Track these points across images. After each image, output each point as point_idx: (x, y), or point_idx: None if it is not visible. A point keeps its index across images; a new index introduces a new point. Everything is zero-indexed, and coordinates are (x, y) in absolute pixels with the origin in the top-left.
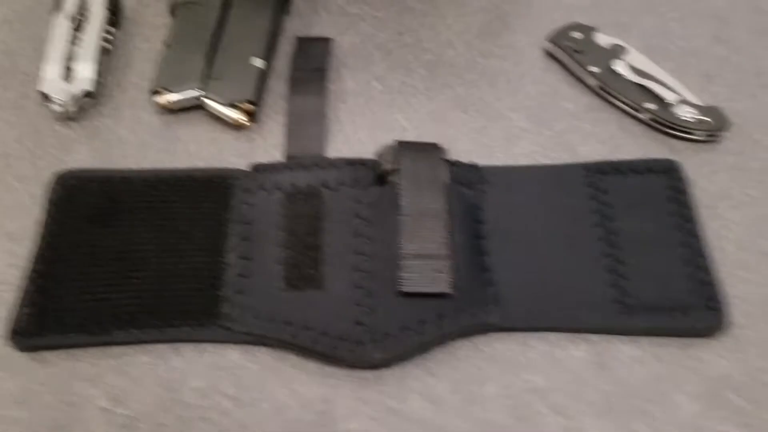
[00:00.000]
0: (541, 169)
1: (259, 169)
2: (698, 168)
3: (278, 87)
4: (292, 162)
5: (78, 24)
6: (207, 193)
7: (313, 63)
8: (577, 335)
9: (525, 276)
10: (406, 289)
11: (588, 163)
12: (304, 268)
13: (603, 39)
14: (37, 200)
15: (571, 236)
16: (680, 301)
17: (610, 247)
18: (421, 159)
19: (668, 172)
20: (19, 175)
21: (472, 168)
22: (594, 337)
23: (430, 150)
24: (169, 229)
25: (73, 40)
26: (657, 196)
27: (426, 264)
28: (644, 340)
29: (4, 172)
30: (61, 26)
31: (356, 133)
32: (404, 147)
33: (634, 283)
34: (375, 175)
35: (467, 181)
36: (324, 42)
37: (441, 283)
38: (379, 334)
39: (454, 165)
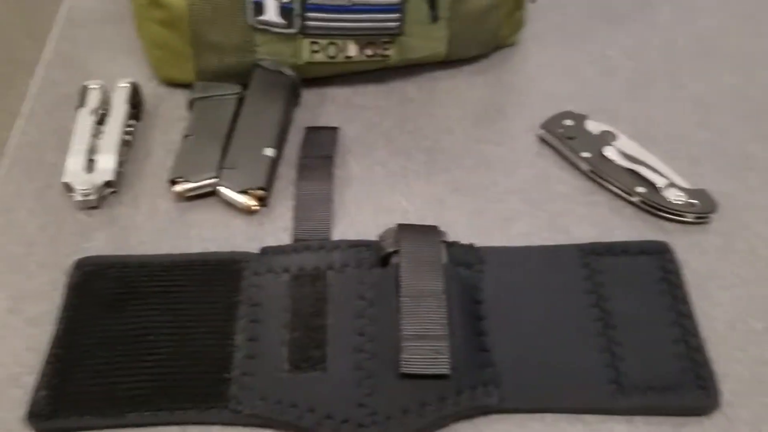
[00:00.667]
0: (537, 250)
1: (268, 251)
2: (688, 249)
3: (287, 173)
4: (299, 245)
5: (101, 118)
6: (219, 276)
7: (320, 150)
8: (573, 416)
9: (523, 356)
10: (406, 370)
11: (583, 245)
12: (308, 350)
13: (593, 126)
14: (57, 286)
15: (567, 316)
16: (673, 380)
17: (605, 327)
18: (420, 241)
19: (661, 253)
20: (41, 261)
21: (471, 249)
22: (590, 418)
23: (429, 232)
24: (182, 313)
25: (96, 134)
26: (650, 277)
27: (426, 345)
28: (639, 420)
29: (26, 259)
30: (85, 120)
31: (361, 215)
32: (404, 230)
33: (628, 363)
34: (378, 257)
35: (466, 262)
36: (331, 131)
37: (441, 365)
38: (381, 417)
39: (453, 246)
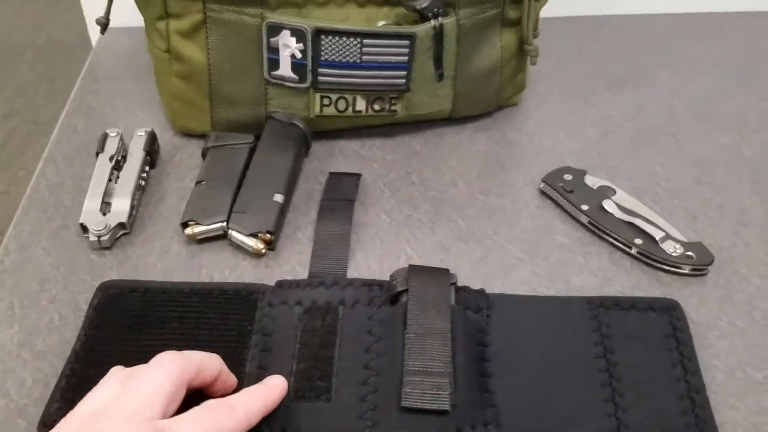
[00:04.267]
0: (546, 299)
1: (283, 285)
2: (687, 300)
3: (295, 219)
4: (314, 280)
5: (118, 164)
6: (235, 305)
7: (342, 194)
8: None
9: (526, 400)
10: (407, 404)
11: (592, 297)
12: (314, 380)
13: (592, 181)
14: (68, 321)
15: (572, 365)
16: None
17: (610, 378)
18: (429, 282)
19: (669, 310)
20: (52, 297)
21: (480, 294)
22: None
23: (439, 274)
24: (197, 338)
25: (113, 178)
26: (658, 332)
27: (428, 381)
28: None
29: (38, 296)
30: (103, 165)
31: (366, 260)
32: (414, 270)
33: (631, 414)
34: (388, 296)
35: (474, 306)
36: (354, 177)
37: (441, 401)
38: None
39: (462, 289)
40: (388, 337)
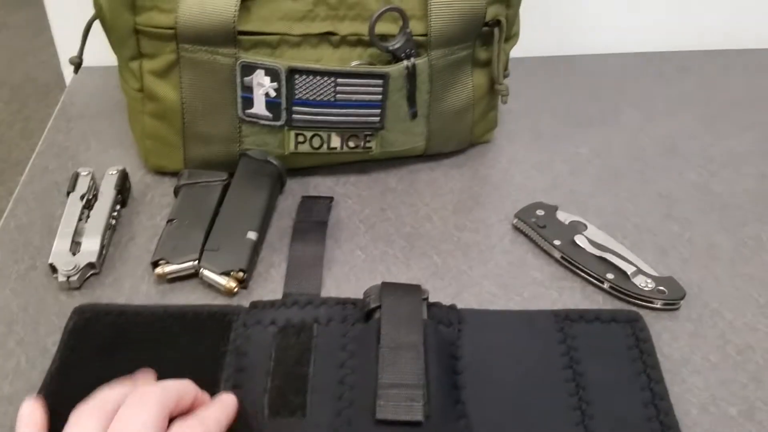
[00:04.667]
0: (514, 313)
1: (257, 305)
2: (659, 334)
3: (269, 256)
4: (288, 300)
5: (89, 203)
6: (209, 326)
7: (315, 216)
8: None
9: (497, 411)
10: (381, 416)
11: (558, 310)
12: (289, 396)
13: (564, 216)
14: (35, 365)
15: (540, 376)
16: None
17: (576, 387)
18: (402, 297)
19: (632, 322)
20: (20, 339)
21: (451, 309)
22: None
23: (411, 290)
24: (171, 360)
25: (84, 218)
26: (621, 343)
27: (401, 393)
28: None
29: (6, 338)
30: (74, 205)
31: (342, 295)
32: (387, 287)
33: (598, 422)
34: (362, 314)
35: (446, 321)
36: (326, 200)
37: (414, 412)
38: None
39: (434, 305)
40: (361, 353)
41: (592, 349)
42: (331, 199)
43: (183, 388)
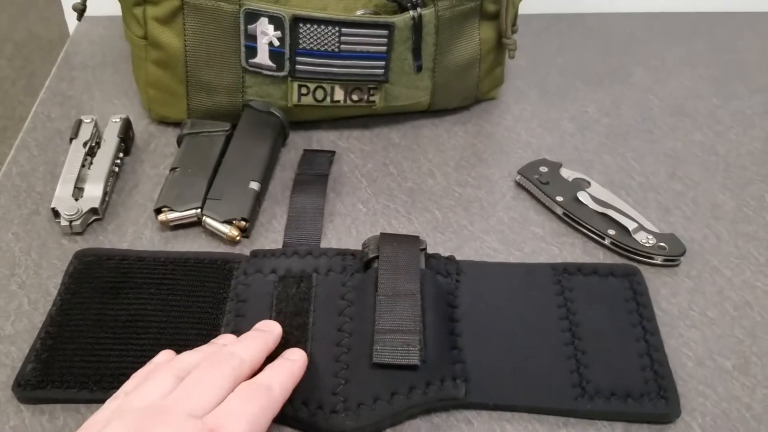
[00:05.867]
0: (512, 265)
1: (258, 254)
2: (658, 290)
3: (270, 208)
4: (288, 249)
5: (92, 150)
6: (210, 273)
7: (316, 169)
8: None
9: (493, 357)
10: (378, 360)
11: (556, 264)
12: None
13: (567, 173)
14: (38, 307)
15: (537, 326)
16: (636, 389)
17: (572, 337)
18: (400, 247)
19: (629, 275)
20: (22, 282)
21: (450, 260)
22: (555, 419)
23: (409, 241)
24: (173, 304)
25: (86, 164)
26: (618, 295)
27: (398, 338)
28: (603, 425)
29: (8, 280)
30: (77, 151)
31: (342, 247)
32: (386, 237)
33: (593, 370)
34: (361, 264)
35: (444, 271)
36: (328, 153)
37: (411, 356)
38: (352, 404)
39: (432, 257)
40: (360, 301)
41: (589, 301)
42: (332, 152)
43: (257, 359)
